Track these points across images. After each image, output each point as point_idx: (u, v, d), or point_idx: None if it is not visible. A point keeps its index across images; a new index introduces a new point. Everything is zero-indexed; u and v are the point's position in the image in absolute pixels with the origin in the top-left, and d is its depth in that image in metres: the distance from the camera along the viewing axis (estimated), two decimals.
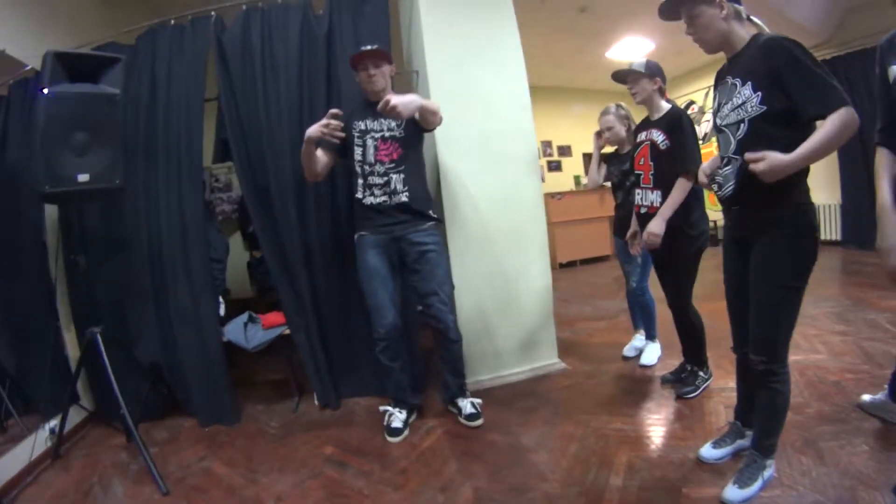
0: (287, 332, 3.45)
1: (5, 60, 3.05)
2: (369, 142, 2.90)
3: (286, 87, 3.27)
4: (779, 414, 2.10)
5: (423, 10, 3.42)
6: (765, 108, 1.84)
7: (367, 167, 2.91)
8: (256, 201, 3.32)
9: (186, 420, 3.39)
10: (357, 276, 3.01)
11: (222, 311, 3.56)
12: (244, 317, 3.56)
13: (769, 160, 1.74)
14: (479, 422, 2.99)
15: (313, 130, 2.69)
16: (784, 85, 1.79)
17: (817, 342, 3.62)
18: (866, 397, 2.66)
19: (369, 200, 2.91)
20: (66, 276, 3.35)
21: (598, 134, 3.65)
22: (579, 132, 10.04)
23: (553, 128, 9.95)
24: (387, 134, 2.91)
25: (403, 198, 2.89)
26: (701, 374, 3.08)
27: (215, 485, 2.61)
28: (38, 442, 2.93)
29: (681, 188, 2.78)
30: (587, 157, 10.15)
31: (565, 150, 10.26)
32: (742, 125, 1.93)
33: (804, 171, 1.85)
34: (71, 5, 3.75)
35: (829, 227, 7.60)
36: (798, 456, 2.29)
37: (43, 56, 2.66)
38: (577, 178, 10.02)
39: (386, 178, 2.88)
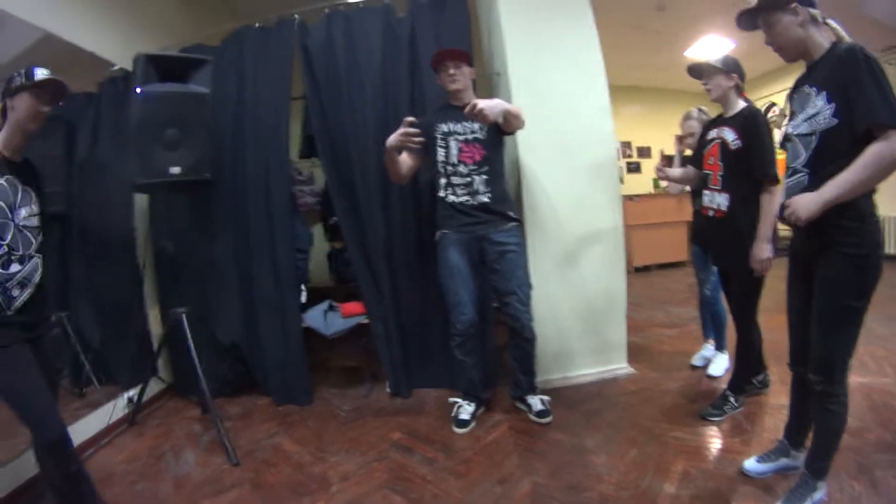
0: (365, 321, 3.60)
1: (95, 61, 3.30)
2: (452, 143, 3.00)
3: (370, 88, 3.40)
4: (833, 436, 2.05)
5: (502, 12, 3.48)
6: (837, 121, 1.80)
7: (449, 167, 3.00)
8: (341, 196, 3.48)
9: (261, 398, 3.58)
10: (437, 273, 3.11)
11: (304, 299, 3.73)
12: (324, 305, 3.74)
13: (796, 210, 1.79)
14: (549, 419, 3.05)
15: (392, 140, 2.79)
16: (846, 96, 1.77)
17: (886, 364, 3.47)
18: None
19: (451, 199, 3.01)
20: (154, 259, 3.59)
21: (680, 139, 3.59)
22: (659, 134, 9.84)
23: (633, 128, 9.75)
24: (470, 136, 2.99)
25: (485, 198, 2.98)
26: (732, 400, 2.99)
27: (284, 460, 2.77)
28: (116, 409, 3.15)
29: (769, 200, 2.63)
30: (666, 160, 9.82)
31: (644, 152, 10.04)
32: (814, 137, 1.89)
33: None
34: (156, 9, 3.99)
35: None
36: (851, 481, 2.24)
37: (134, 58, 2.88)
38: (655, 181, 9.79)
39: (468, 179, 2.98)
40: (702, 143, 3.00)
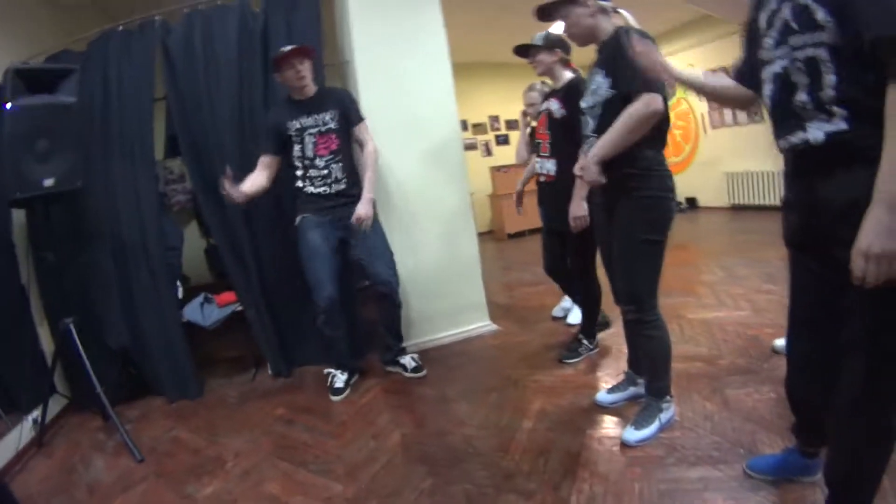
0: (240, 308, 3.73)
1: None
2: (307, 138, 3.13)
3: (227, 83, 3.47)
4: (658, 357, 2.31)
5: (351, 2, 3.62)
6: (613, 91, 2.10)
7: (307, 161, 3.16)
8: (205, 191, 3.56)
9: (156, 399, 3.63)
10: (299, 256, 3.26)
11: (180, 294, 3.81)
12: (200, 298, 3.83)
13: (583, 169, 2.11)
14: (424, 372, 3.35)
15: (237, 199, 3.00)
16: (614, 70, 2.08)
17: (742, 300, 3.86)
18: (779, 342, 2.84)
19: (310, 190, 3.17)
20: (36, 273, 3.52)
21: (524, 113, 3.87)
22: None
23: (501, 103, 10.09)
24: (323, 128, 3.14)
25: (342, 185, 3.17)
26: (585, 342, 3.32)
27: (182, 449, 2.90)
28: (23, 434, 3.10)
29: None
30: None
31: (513, 125, 10.27)
32: (597, 108, 2.19)
33: (644, 141, 2.06)
34: (26, 16, 3.87)
35: (770, 193, 7.78)
36: (703, 402, 2.50)
37: (3, 72, 2.84)
38: None
39: (326, 171, 3.14)
40: (536, 114, 3.28)
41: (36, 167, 2.90)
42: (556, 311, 4.14)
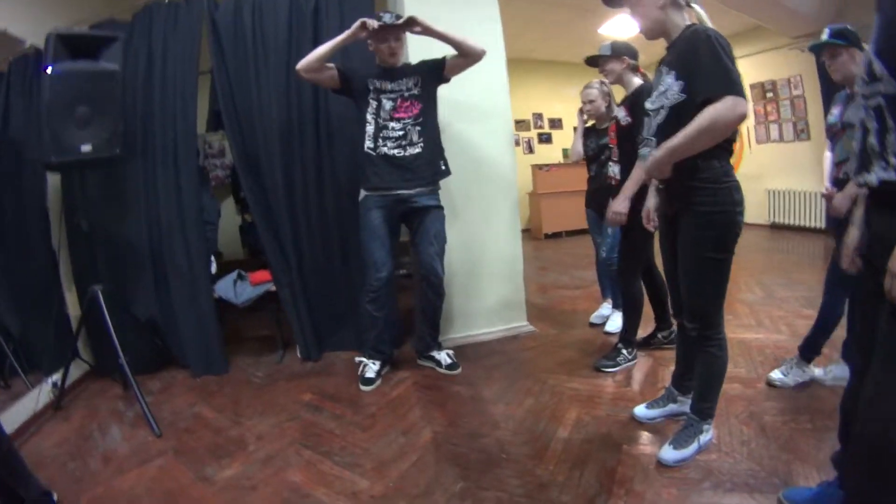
0: (273, 289, 3.67)
1: (6, 39, 3.19)
2: (384, 100, 3.07)
3: (275, 61, 3.44)
4: (714, 377, 2.20)
5: None
6: (685, 96, 1.95)
7: (381, 121, 3.08)
8: (246, 167, 3.53)
9: (180, 372, 3.60)
10: (344, 237, 3.29)
11: (214, 269, 3.76)
12: (234, 275, 3.78)
13: (647, 166, 2.02)
14: (458, 370, 3.27)
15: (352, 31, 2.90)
16: (690, 74, 1.92)
17: (781, 324, 3.74)
18: (818, 371, 2.80)
19: (383, 150, 3.07)
20: (68, 239, 3.51)
21: (580, 110, 3.80)
22: (570, 106, 10.10)
23: (545, 101, 10.02)
24: (406, 93, 3.08)
25: (417, 149, 3.09)
26: (624, 352, 3.21)
27: (204, 427, 2.84)
28: (41, 396, 3.10)
29: (638, 166, 2.83)
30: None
31: (556, 123, 10.29)
32: (662, 111, 2.05)
33: (712, 151, 1.95)
34: None
35: (814, 214, 7.56)
36: (741, 426, 2.41)
37: (46, 36, 2.80)
38: (565, 151, 10.05)
39: (402, 132, 3.07)
40: (610, 119, 3.29)
41: (75, 132, 2.86)
42: (594, 318, 4.06)
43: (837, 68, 2.57)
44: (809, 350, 2.79)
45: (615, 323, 3.81)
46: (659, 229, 2.39)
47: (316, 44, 3.36)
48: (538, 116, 10.24)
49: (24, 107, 3.25)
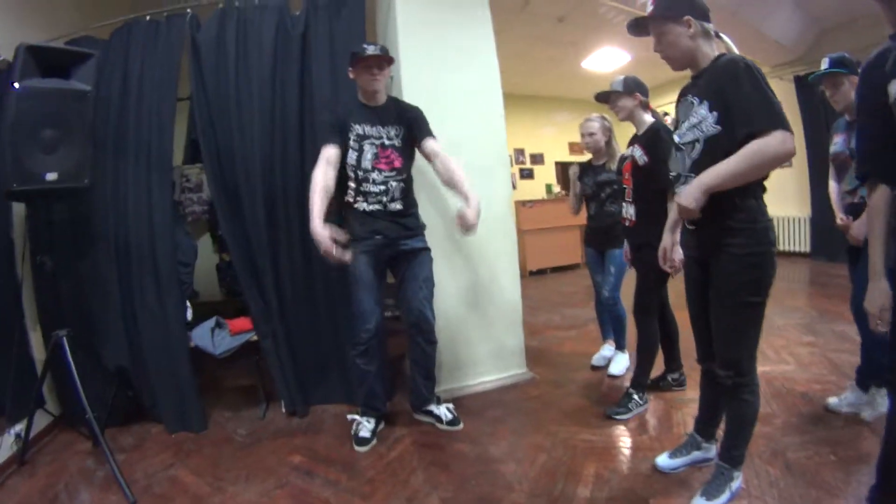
0: (254, 338, 3.42)
1: None
2: (367, 147, 2.88)
3: (258, 88, 3.24)
4: (747, 424, 2.11)
5: (399, 13, 3.40)
6: (720, 128, 1.86)
7: (360, 173, 2.88)
8: (225, 204, 3.28)
9: (153, 426, 3.33)
10: (326, 284, 3.08)
11: (189, 316, 3.50)
12: (211, 322, 3.51)
13: (679, 200, 1.88)
14: (460, 426, 3.04)
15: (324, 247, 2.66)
16: (727, 104, 1.82)
17: (785, 353, 3.70)
18: (832, 400, 2.78)
19: (362, 207, 2.90)
20: (33, 276, 3.27)
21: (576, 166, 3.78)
22: (552, 141, 10.21)
23: (527, 136, 10.05)
24: (386, 142, 2.91)
25: (399, 205, 2.93)
26: (636, 397, 3.06)
27: (182, 493, 2.57)
28: (3, 448, 2.88)
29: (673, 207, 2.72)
30: (559, 166, 10.40)
31: (538, 158, 10.33)
32: (698, 144, 1.95)
33: (750, 188, 1.87)
34: None
35: (799, 240, 7.73)
36: (766, 467, 2.32)
37: (16, 48, 2.60)
38: (548, 187, 10.11)
39: (384, 187, 2.89)
40: (622, 159, 3.20)
41: (39, 158, 2.66)
42: (596, 360, 3.88)
43: (840, 98, 2.64)
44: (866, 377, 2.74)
45: (619, 365, 3.67)
46: (686, 273, 2.27)
47: (304, 70, 3.27)
48: (520, 152, 10.25)
49: None
